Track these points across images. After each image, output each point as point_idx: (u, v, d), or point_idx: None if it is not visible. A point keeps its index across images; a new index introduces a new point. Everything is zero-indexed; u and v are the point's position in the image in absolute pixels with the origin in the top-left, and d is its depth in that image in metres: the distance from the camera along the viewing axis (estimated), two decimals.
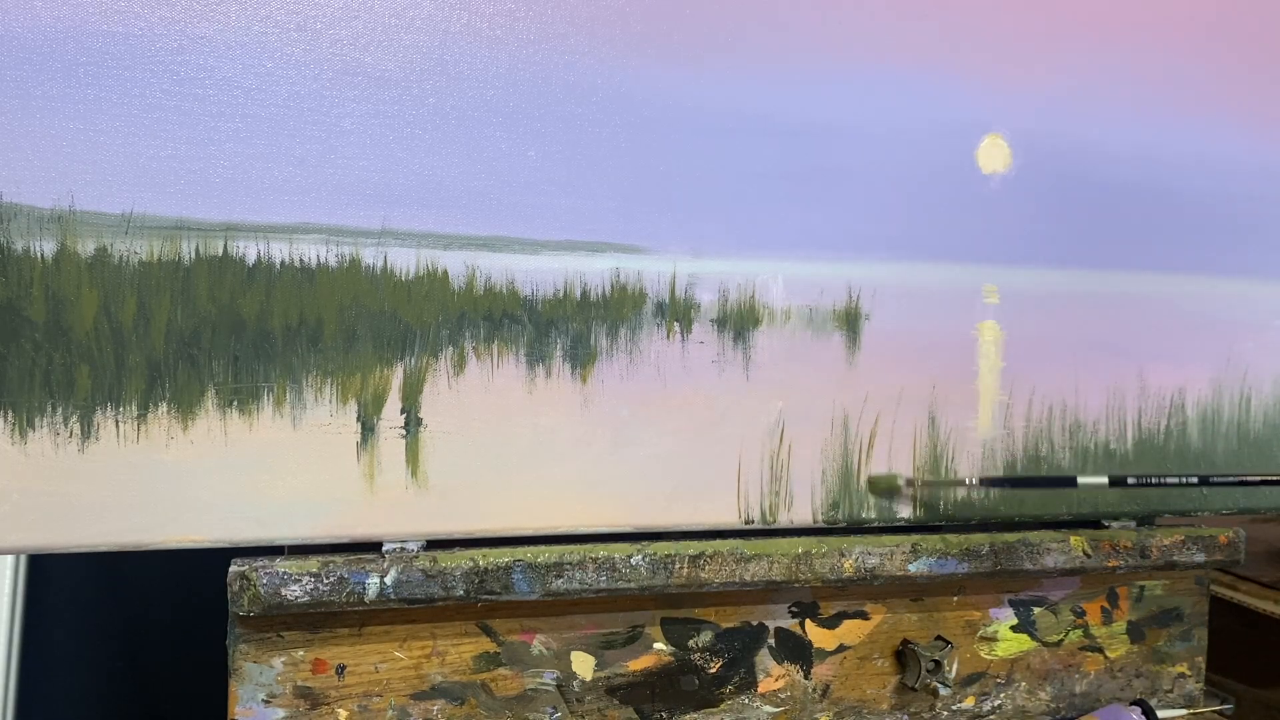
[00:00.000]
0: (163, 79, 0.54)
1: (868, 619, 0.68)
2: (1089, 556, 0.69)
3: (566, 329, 0.61)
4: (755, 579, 0.62)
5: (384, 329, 0.58)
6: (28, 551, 0.55)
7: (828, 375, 0.66)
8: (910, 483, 0.67)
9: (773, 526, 0.65)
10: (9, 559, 0.94)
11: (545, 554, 0.58)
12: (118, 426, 0.54)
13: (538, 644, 0.62)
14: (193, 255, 0.54)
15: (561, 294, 0.61)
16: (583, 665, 0.63)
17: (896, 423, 0.67)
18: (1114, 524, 0.73)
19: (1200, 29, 0.74)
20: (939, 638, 0.69)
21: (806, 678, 0.67)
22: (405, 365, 0.58)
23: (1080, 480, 0.67)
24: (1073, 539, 0.69)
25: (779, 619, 0.66)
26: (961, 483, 0.68)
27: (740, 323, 0.64)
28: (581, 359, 0.61)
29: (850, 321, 0.67)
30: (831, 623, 0.68)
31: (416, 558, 0.57)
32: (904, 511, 0.67)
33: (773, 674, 0.66)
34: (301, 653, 0.58)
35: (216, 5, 0.54)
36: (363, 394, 0.57)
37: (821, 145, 0.65)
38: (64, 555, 0.58)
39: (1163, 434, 0.74)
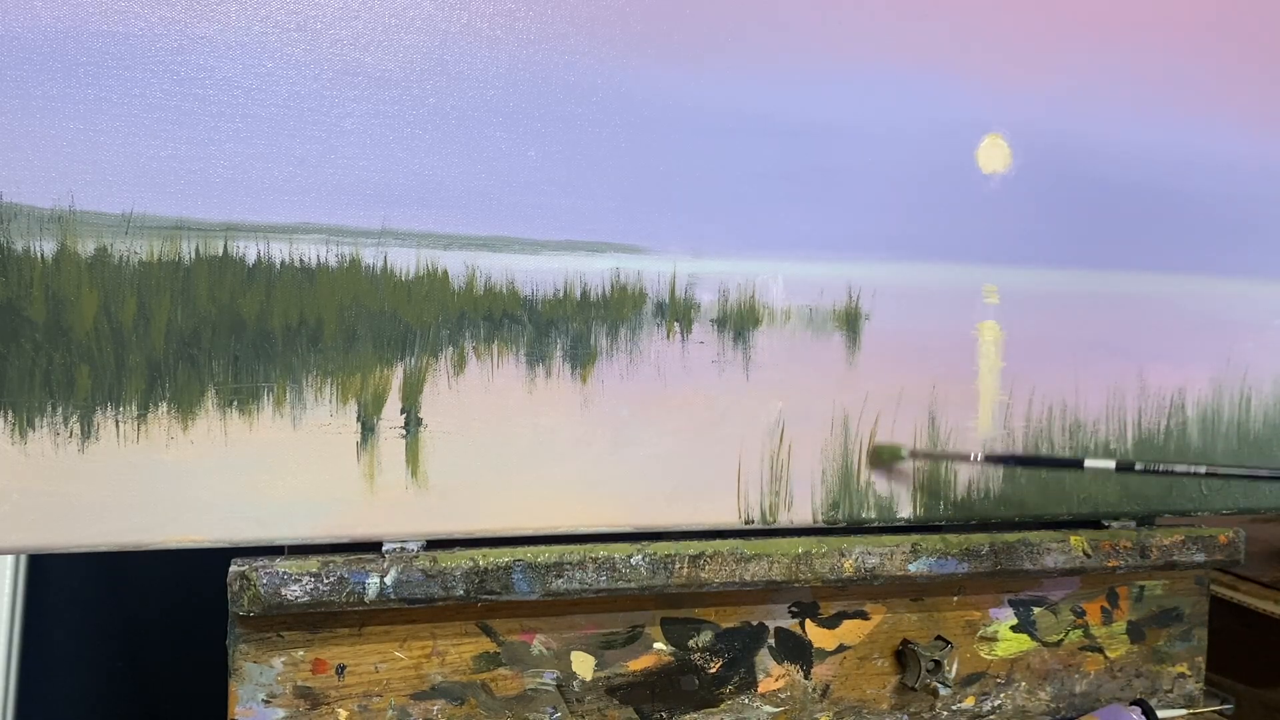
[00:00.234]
0: (163, 79, 0.54)
1: (868, 619, 0.68)
2: (1089, 556, 0.69)
3: (566, 329, 0.61)
4: (755, 579, 0.62)
5: (384, 329, 0.58)
6: (28, 551, 0.55)
7: (828, 375, 0.66)
8: (914, 454, 0.67)
9: (773, 526, 0.65)
10: (9, 559, 0.94)
11: (545, 554, 0.58)
12: (118, 426, 0.54)
13: (538, 644, 0.62)
14: (193, 255, 0.54)
15: (561, 294, 0.61)
16: (583, 665, 0.63)
17: (896, 423, 0.67)
18: (1114, 524, 0.73)
19: (1200, 29, 0.74)
20: (939, 638, 0.69)
21: (806, 678, 0.67)
22: (405, 365, 0.58)
23: (1087, 463, 0.66)
24: (1073, 539, 0.69)
25: (779, 619, 0.66)
26: (966, 457, 0.68)
27: (740, 323, 0.64)
28: (581, 359, 0.61)
29: (850, 321, 0.67)
30: (831, 623, 0.68)
31: (416, 558, 0.57)
32: (901, 506, 0.67)
33: (773, 674, 0.66)
34: (301, 653, 0.58)
35: (216, 5, 0.54)
36: (363, 394, 0.57)
37: (821, 145, 0.65)
38: (64, 555, 0.58)
39: (1163, 434, 0.74)
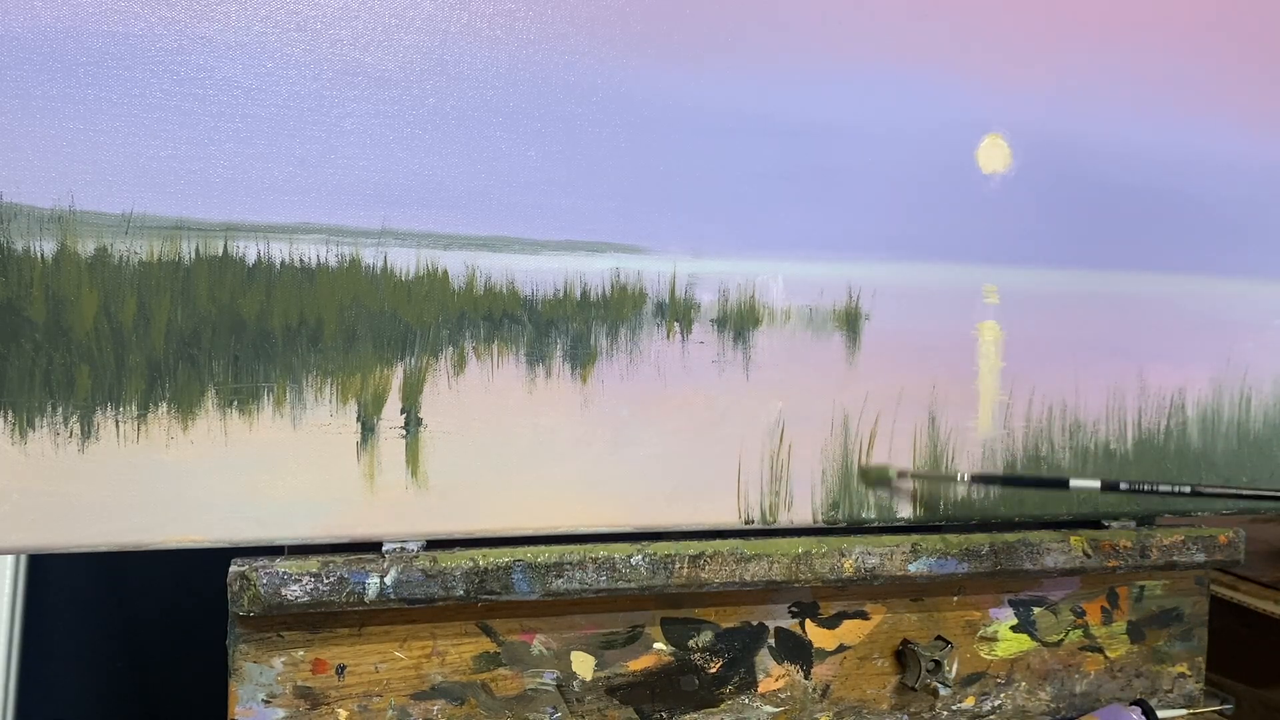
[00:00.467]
0: (163, 79, 0.54)
1: (868, 619, 0.68)
2: (1089, 556, 0.69)
3: (566, 329, 0.61)
4: (755, 579, 0.62)
5: (384, 329, 0.58)
6: (28, 551, 0.54)
7: (828, 375, 0.66)
8: (902, 474, 0.67)
9: (773, 526, 0.65)
10: (9, 559, 0.94)
11: (545, 554, 0.58)
12: (118, 426, 0.54)
13: (538, 644, 0.62)
14: (193, 255, 0.54)
15: (561, 294, 0.61)
16: (583, 665, 0.63)
17: (896, 423, 0.67)
18: (1114, 524, 0.73)
19: (1200, 29, 0.74)
20: (939, 638, 0.69)
21: (806, 678, 0.67)
22: (405, 365, 0.58)
23: (1073, 483, 0.66)
24: (1073, 539, 0.69)
25: (779, 619, 0.66)
26: (951, 478, 0.68)
27: (740, 323, 0.64)
28: (581, 359, 0.61)
29: (850, 321, 0.67)
30: (831, 623, 0.68)
31: (416, 558, 0.57)
32: (900, 506, 0.67)
33: (773, 674, 0.66)
34: (301, 653, 0.58)
35: (216, 5, 0.54)
36: (363, 394, 0.57)
37: (821, 145, 0.65)
38: (64, 555, 0.58)
39: (1163, 434, 0.74)
